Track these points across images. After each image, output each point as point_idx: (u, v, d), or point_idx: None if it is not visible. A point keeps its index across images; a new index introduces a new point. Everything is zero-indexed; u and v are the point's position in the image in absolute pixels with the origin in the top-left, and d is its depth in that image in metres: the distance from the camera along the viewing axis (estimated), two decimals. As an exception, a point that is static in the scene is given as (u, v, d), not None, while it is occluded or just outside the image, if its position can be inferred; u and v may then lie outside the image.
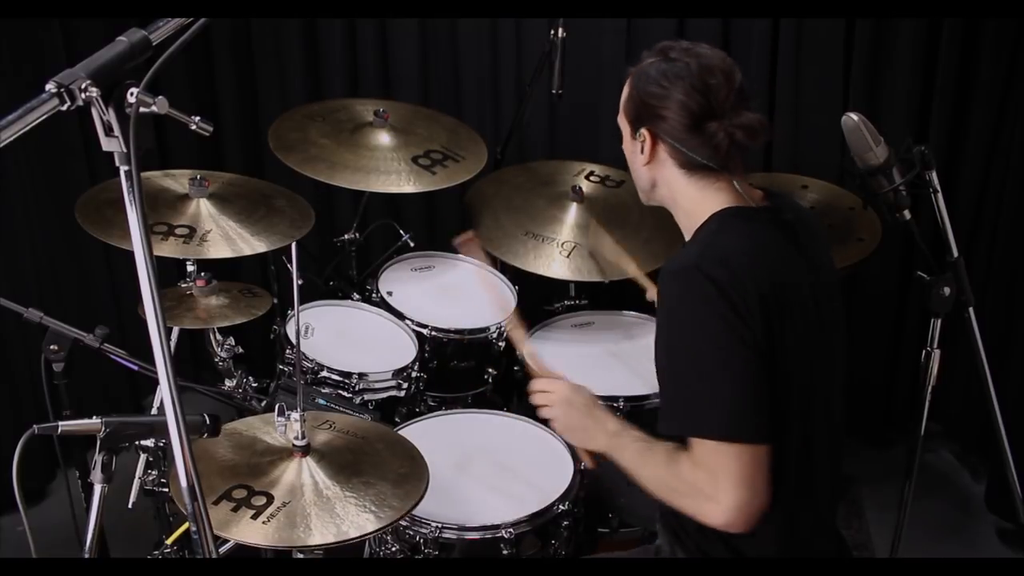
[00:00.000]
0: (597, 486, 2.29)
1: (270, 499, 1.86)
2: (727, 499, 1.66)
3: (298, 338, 2.03)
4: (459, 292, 2.91)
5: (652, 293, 2.48)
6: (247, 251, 2.49)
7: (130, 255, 1.27)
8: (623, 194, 2.95)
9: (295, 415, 1.94)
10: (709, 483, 1.68)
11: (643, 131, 1.81)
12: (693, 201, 1.82)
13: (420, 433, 2.35)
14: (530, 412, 2.55)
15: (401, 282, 2.89)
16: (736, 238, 1.76)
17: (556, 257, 2.79)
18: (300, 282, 1.96)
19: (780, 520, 1.80)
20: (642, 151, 1.82)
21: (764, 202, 1.84)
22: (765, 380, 1.67)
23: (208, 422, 1.74)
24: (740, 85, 1.79)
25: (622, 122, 1.88)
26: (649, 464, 1.80)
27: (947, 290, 2.13)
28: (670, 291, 1.72)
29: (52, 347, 2.08)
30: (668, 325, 1.72)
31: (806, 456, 1.79)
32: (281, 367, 2.64)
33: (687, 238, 1.86)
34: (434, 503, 2.07)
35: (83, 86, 1.22)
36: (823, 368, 1.81)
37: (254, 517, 1.82)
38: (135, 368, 2.13)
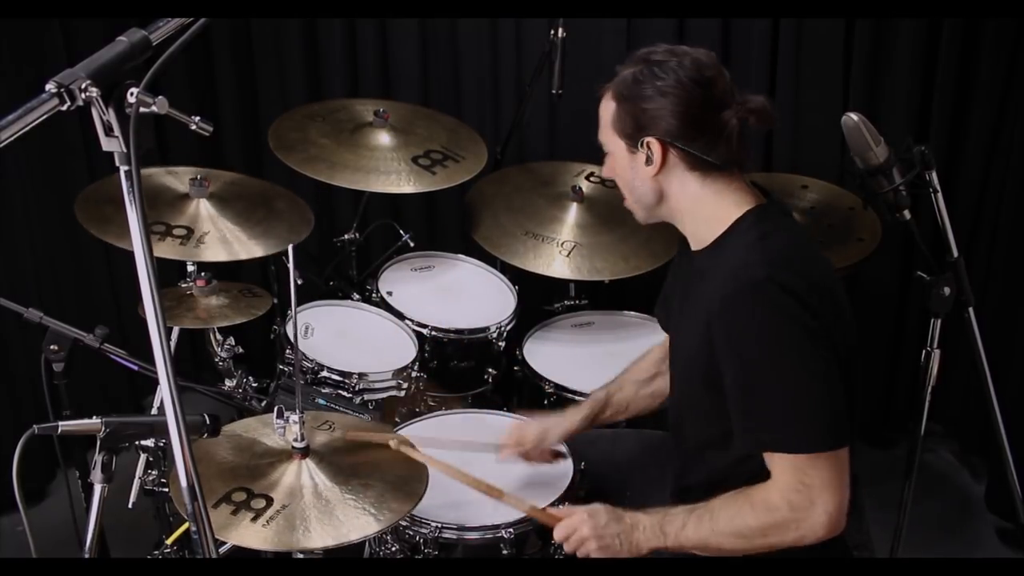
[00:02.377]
0: (597, 486, 2.29)
1: (269, 502, 1.86)
2: (825, 509, 1.65)
3: (296, 341, 2.03)
4: (459, 292, 2.91)
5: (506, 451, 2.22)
6: (243, 255, 2.50)
7: (130, 255, 1.27)
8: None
9: (294, 417, 1.94)
10: (806, 500, 1.65)
11: (648, 140, 1.74)
12: (712, 206, 1.76)
13: (421, 433, 2.35)
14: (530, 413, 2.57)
15: (401, 282, 2.89)
16: (786, 238, 1.73)
17: (556, 256, 2.79)
18: (300, 282, 1.96)
19: None
20: (648, 162, 1.75)
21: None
22: (842, 379, 1.67)
23: (208, 422, 1.74)
24: (730, 76, 1.75)
25: (610, 140, 1.81)
26: (720, 523, 1.74)
27: (947, 290, 2.13)
28: (742, 310, 1.65)
29: (52, 347, 2.07)
30: (743, 344, 1.66)
31: None
32: (281, 367, 2.64)
33: (696, 246, 1.82)
34: (434, 503, 2.06)
35: (83, 86, 1.22)
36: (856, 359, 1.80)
37: (254, 520, 1.82)
38: (135, 368, 2.13)
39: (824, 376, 1.65)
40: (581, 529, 1.83)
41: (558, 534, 1.88)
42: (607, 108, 1.79)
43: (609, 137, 1.81)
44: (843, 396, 1.68)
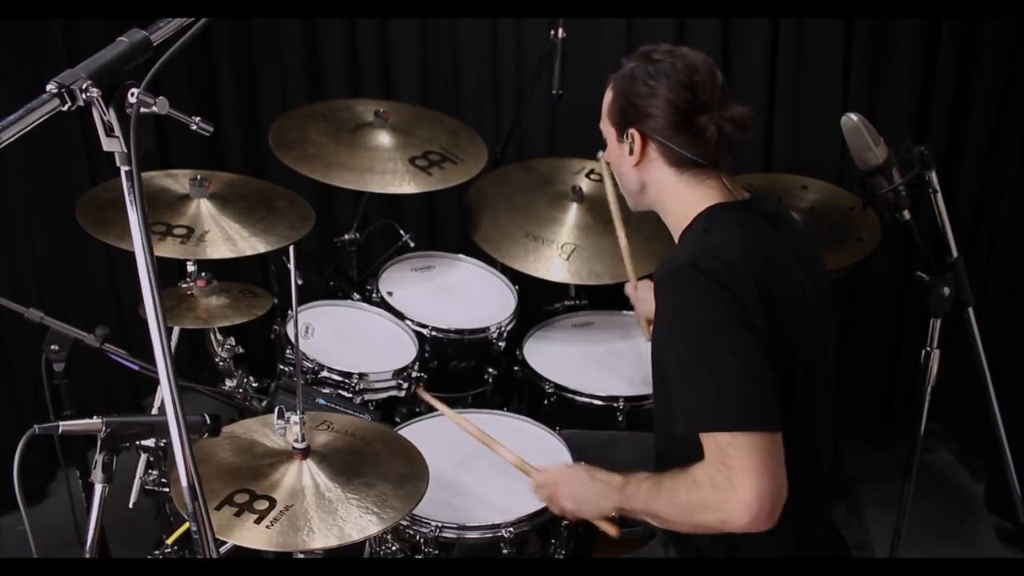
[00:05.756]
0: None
1: (272, 503, 1.86)
2: (747, 493, 1.62)
3: (297, 341, 2.03)
4: (459, 292, 2.91)
5: (629, 288, 2.58)
6: (247, 251, 2.50)
7: (131, 255, 1.27)
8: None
9: (295, 417, 1.94)
10: (726, 481, 1.64)
11: (631, 132, 1.84)
12: (683, 200, 1.85)
13: (420, 433, 2.35)
14: (530, 412, 2.57)
15: (401, 282, 2.89)
16: (725, 232, 1.78)
17: (556, 259, 2.79)
18: (300, 282, 1.96)
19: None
20: (631, 152, 1.85)
21: (747, 196, 1.86)
22: (772, 367, 1.67)
23: (208, 422, 1.74)
24: (723, 83, 1.82)
25: (606, 128, 1.92)
26: (663, 494, 1.77)
27: (947, 290, 2.13)
28: (668, 291, 1.73)
29: (53, 347, 2.08)
30: (671, 325, 1.73)
31: (807, 448, 1.80)
32: (281, 367, 2.64)
33: (676, 239, 1.88)
34: (434, 503, 2.07)
35: (84, 86, 1.22)
36: (818, 358, 1.82)
37: (257, 522, 1.82)
38: (135, 368, 2.13)
39: (742, 356, 1.66)
40: (551, 478, 2.05)
41: (534, 483, 2.09)
42: (607, 97, 1.91)
43: (605, 124, 1.92)
44: (770, 383, 1.67)
